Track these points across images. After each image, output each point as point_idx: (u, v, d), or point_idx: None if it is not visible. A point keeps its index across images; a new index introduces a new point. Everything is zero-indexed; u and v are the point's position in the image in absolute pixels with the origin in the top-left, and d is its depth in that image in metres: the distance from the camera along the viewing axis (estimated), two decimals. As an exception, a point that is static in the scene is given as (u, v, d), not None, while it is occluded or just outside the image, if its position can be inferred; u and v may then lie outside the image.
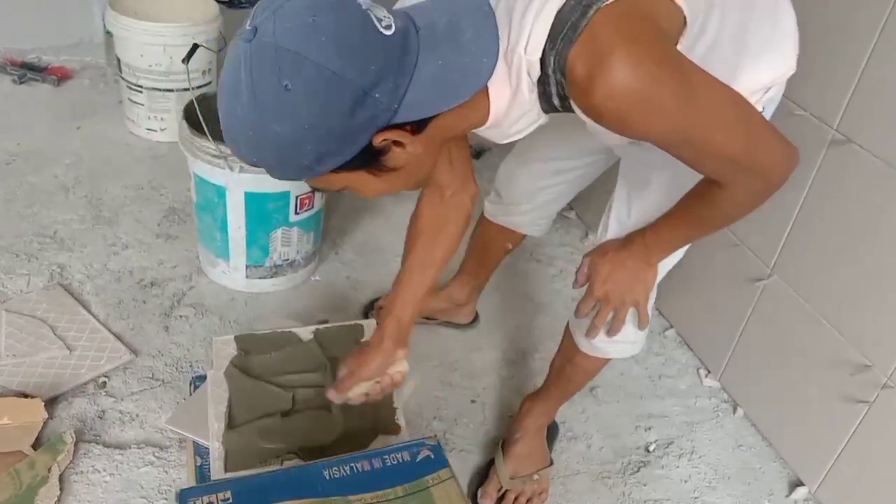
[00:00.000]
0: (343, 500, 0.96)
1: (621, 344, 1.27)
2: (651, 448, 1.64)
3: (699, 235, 1.10)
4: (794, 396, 1.58)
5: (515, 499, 1.45)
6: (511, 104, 0.90)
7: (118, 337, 1.65)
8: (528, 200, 1.50)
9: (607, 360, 1.36)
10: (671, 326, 1.93)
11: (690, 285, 1.82)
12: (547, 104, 0.90)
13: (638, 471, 1.58)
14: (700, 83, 0.84)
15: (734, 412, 1.75)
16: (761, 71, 0.98)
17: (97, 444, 1.43)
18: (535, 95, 0.89)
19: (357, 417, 1.30)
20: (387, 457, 1.01)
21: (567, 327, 1.37)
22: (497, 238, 1.64)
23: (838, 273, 1.45)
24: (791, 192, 1.48)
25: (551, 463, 1.51)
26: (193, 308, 1.77)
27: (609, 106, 0.80)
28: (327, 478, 0.99)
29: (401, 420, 1.34)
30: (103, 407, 1.50)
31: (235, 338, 1.42)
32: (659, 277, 1.21)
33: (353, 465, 0.99)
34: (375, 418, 1.33)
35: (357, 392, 1.18)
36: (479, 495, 1.46)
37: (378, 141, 0.82)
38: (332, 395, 1.19)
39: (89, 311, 1.70)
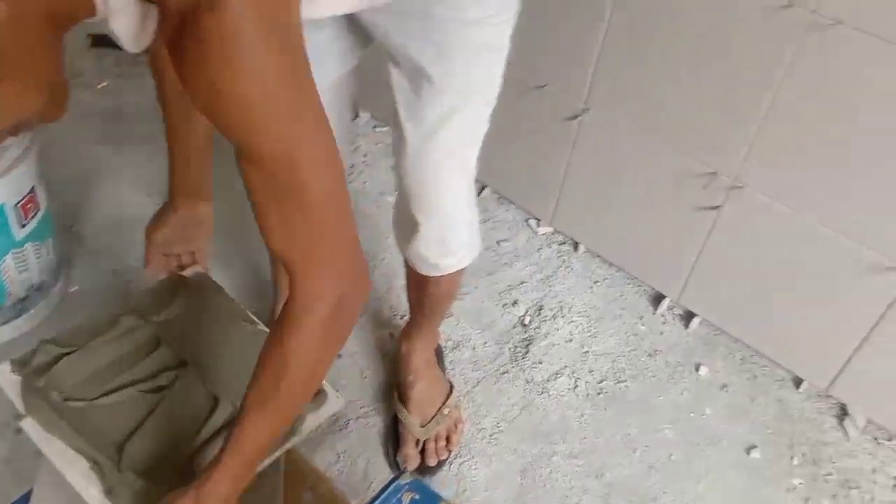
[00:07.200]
0: None
1: (462, 250, 1.13)
2: (526, 321, 1.57)
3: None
4: (630, 216, 1.58)
5: (436, 445, 1.32)
6: None
7: None
8: None
9: (463, 270, 1.19)
10: (485, 186, 1.82)
11: (495, 138, 1.68)
12: None
13: (527, 351, 1.52)
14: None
15: (576, 250, 1.73)
16: None
17: None
18: None
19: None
20: (373, 526, 0.79)
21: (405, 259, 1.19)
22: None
23: (657, 90, 1.40)
24: (588, 12, 1.39)
25: (452, 387, 1.38)
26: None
27: None
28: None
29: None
30: None
31: (12, 362, 1.00)
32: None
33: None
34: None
35: None
36: (399, 461, 1.30)
37: None
38: None
39: None
